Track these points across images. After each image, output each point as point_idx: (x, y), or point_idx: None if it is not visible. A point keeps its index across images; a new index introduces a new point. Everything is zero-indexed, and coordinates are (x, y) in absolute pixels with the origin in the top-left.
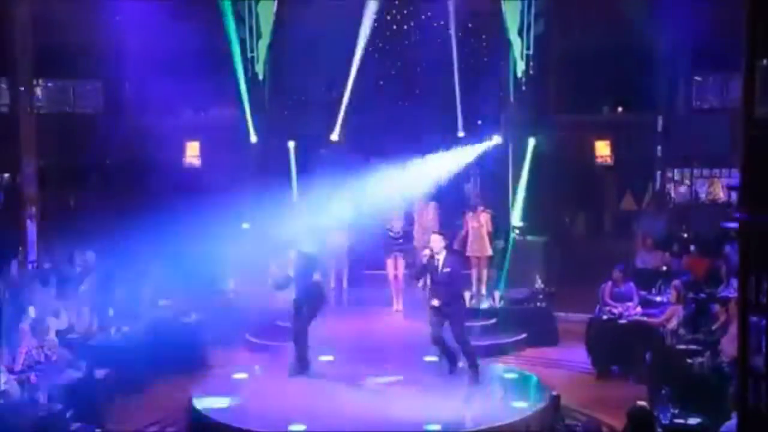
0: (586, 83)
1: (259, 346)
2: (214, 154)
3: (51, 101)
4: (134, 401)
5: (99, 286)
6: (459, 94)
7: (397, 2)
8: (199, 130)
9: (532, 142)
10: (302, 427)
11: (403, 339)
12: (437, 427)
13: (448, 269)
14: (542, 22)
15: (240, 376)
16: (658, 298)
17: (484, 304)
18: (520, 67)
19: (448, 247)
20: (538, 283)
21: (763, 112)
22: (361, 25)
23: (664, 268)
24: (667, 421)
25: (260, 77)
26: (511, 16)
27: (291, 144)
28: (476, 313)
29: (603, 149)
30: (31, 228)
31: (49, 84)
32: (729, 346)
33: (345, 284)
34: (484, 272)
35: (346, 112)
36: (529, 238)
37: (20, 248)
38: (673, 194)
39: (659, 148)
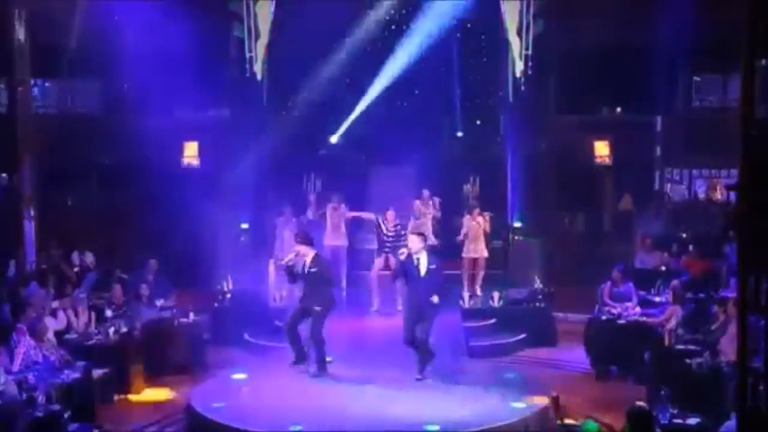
0: (585, 83)
1: (257, 347)
2: (213, 155)
3: (49, 101)
4: (132, 402)
5: (97, 286)
6: (458, 95)
7: (395, 1)
8: (197, 131)
9: (531, 142)
10: (301, 428)
11: (401, 339)
12: (436, 427)
13: (432, 267)
14: (541, 22)
15: (238, 376)
16: (657, 299)
17: (482, 305)
18: (519, 67)
19: (428, 248)
20: (537, 284)
21: (762, 112)
22: (360, 25)
23: (663, 268)
24: (666, 422)
25: (259, 77)
26: (510, 16)
27: (289, 143)
28: (475, 313)
29: (602, 149)
30: (29, 228)
31: (48, 84)
32: (728, 346)
33: (343, 284)
34: (481, 273)
35: (346, 113)
36: (528, 238)
37: (18, 248)
38: (671, 194)
39: (658, 148)
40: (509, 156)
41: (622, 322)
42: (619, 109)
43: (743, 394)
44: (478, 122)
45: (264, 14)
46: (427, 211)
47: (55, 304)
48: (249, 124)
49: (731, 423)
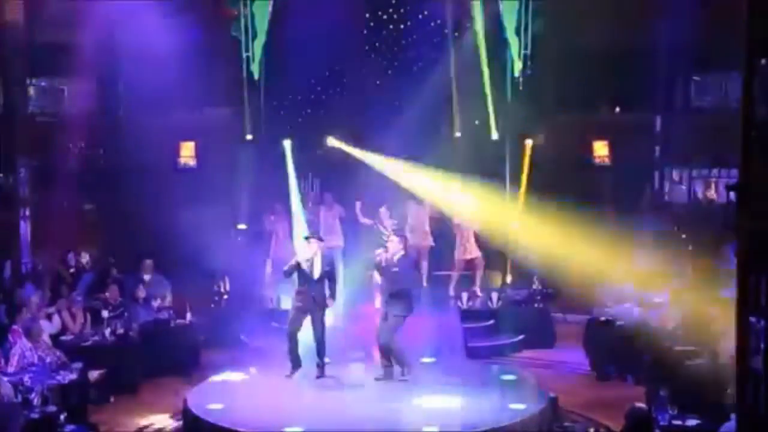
0: (584, 83)
1: (254, 348)
2: (210, 155)
3: (44, 101)
4: (128, 403)
5: (93, 288)
6: (456, 94)
7: (393, 1)
8: (194, 131)
9: (529, 142)
10: (298, 429)
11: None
12: (435, 428)
13: (395, 270)
14: (540, 21)
15: (235, 377)
16: (657, 299)
17: (480, 306)
18: (518, 66)
19: (405, 249)
20: (536, 284)
21: (762, 112)
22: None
23: (662, 268)
24: (666, 423)
25: (256, 77)
26: (509, 16)
27: (287, 143)
28: (473, 314)
29: (601, 149)
30: (25, 229)
31: (43, 84)
32: (727, 347)
33: (341, 285)
34: (479, 273)
35: (342, 113)
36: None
37: (13, 249)
38: (671, 194)
39: (657, 148)
40: (508, 156)
41: (621, 323)
42: (617, 109)
43: (743, 395)
44: (477, 122)
45: (261, 14)
46: (420, 212)
47: (50, 309)
48: (246, 125)
49: (731, 424)
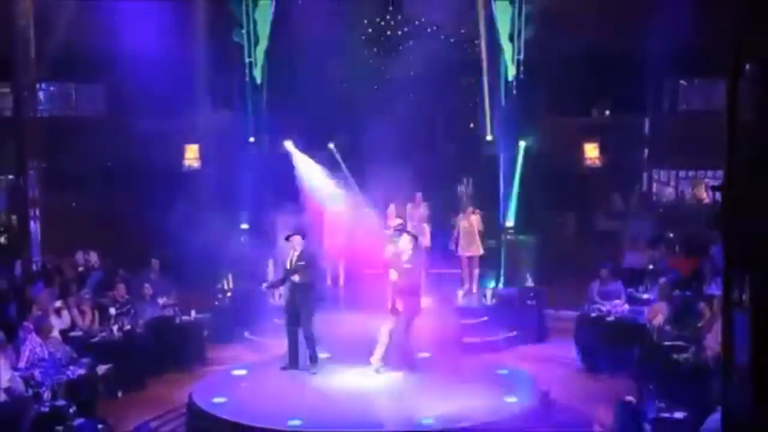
0: (575, 87)
1: (257, 343)
2: (214, 157)
3: (53, 104)
4: (135, 397)
5: (101, 285)
6: (452, 97)
7: (391, 8)
8: (198, 133)
9: (522, 144)
10: (299, 422)
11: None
12: (430, 421)
13: (408, 266)
14: (532, 27)
15: (239, 372)
16: (645, 296)
17: (474, 303)
18: (511, 71)
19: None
20: (529, 282)
21: (746, 115)
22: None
23: (651, 267)
24: (654, 415)
25: (258, 81)
26: (502, 21)
27: (288, 143)
28: (468, 311)
29: (591, 151)
30: (35, 228)
31: (52, 87)
32: (713, 342)
33: (341, 282)
34: (476, 271)
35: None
36: (520, 237)
37: (24, 248)
38: (659, 195)
39: (646, 150)
40: (501, 157)
41: (611, 319)
42: (608, 112)
43: (728, 388)
44: (471, 125)
45: (263, 20)
46: (416, 213)
47: (58, 302)
48: (249, 127)
49: (716, 416)
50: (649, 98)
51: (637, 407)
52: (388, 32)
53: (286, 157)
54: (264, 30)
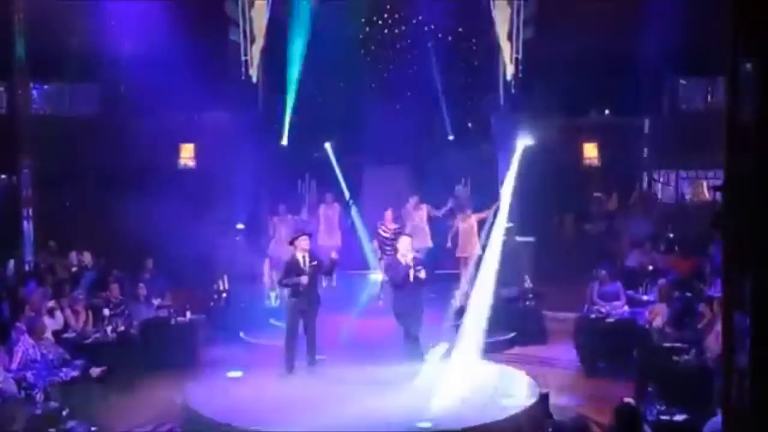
0: (574, 87)
1: (253, 345)
2: (209, 156)
3: (47, 104)
4: (129, 399)
5: (94, 286)
6: (450, 98)
7: (388, 6)
8: (193, 133)
9: (521, 144)
10: (296, 425)
11: (394, 338)
12: (428, 424)
13: (420, 270)
14: (531, 27)
15: (234, 374)
16: (645, 297)
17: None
18: (510, 70)
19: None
20: (527, 283)
21: (746, 113)
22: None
23: (651, 267)
24: (654, 418)
25: (254, 80)
26: (501, 21)
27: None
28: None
29: (590, 151)
30: (28, 228)
31: (46, 87)
32: (714, 343)
33: (334, 283)
34: (473, 272)
35: (340, 116)
36: (518, 238)
37: (17, 248)
38: (658, 195)
39: (645, 150)
40: (500, 158)
41: (610, 320)
42: (607, 112)
43: (728, 390)
44: (470, 125)
45: (259, 18)
46: (416, 214)
47: (51, 303)
48: (244, 127)
49: (717, 419)
50: (648, 97)
51: (637, 409)
52: (386, 31)
53: (285, 157)
54: (260, 29)
